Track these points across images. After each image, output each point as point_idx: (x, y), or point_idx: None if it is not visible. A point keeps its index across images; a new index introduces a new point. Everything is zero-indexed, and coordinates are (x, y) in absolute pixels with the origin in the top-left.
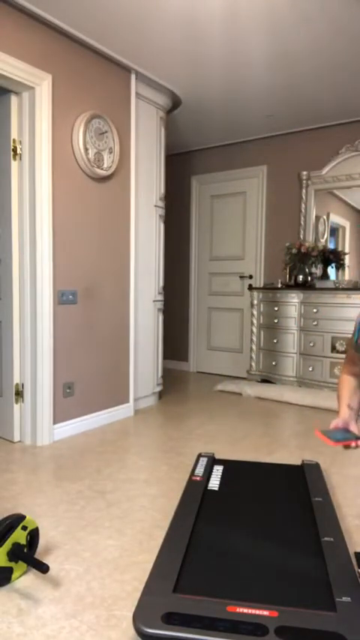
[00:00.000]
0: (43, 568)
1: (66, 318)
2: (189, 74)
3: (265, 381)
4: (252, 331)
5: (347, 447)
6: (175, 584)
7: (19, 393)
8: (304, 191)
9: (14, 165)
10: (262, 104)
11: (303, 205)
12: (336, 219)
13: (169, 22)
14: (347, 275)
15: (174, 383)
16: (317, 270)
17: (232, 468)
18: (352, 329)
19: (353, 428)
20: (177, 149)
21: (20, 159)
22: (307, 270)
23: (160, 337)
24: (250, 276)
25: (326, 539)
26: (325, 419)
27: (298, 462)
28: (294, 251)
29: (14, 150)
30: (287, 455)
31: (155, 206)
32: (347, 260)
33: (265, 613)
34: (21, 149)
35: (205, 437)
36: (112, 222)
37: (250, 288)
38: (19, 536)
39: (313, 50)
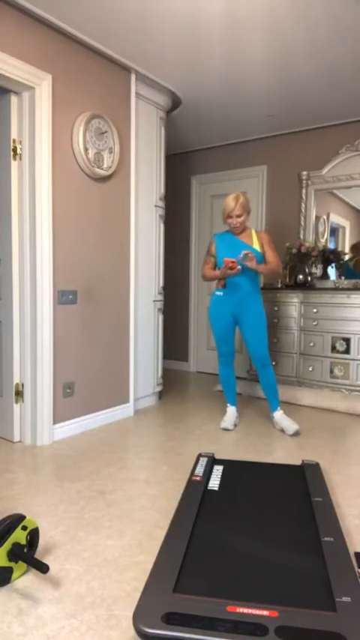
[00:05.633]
0: (43, 568)
1: (66, 318)
2: (189, 74)
3: None
4: None
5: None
6: (175, 584)
7: (19, 393)
8: (304, 191)
9: (14, 165)
10: (262, 104)
11: (303, 205)
12: (336, 219)
13: (169, 22)
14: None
15: (174, 383)
16: (317, 270)
17: (232, 468)
18: (351, 329)
19: None
20: (177, 149)
21: (20, 159)
22: (307, 270)
23: (160, 337)
24: None
25: (326, 539)
26: (325, 419)
27: (298, 462)
28: (294, 251)
29: (14, 150)
30: (287, 455)
31: (155, 206)
32: None
33: (265, 613)
34: (21, 149)
35: (205, 437)
36: (112, 222)
37: None
38: (19, 536)
39: (313, 50)
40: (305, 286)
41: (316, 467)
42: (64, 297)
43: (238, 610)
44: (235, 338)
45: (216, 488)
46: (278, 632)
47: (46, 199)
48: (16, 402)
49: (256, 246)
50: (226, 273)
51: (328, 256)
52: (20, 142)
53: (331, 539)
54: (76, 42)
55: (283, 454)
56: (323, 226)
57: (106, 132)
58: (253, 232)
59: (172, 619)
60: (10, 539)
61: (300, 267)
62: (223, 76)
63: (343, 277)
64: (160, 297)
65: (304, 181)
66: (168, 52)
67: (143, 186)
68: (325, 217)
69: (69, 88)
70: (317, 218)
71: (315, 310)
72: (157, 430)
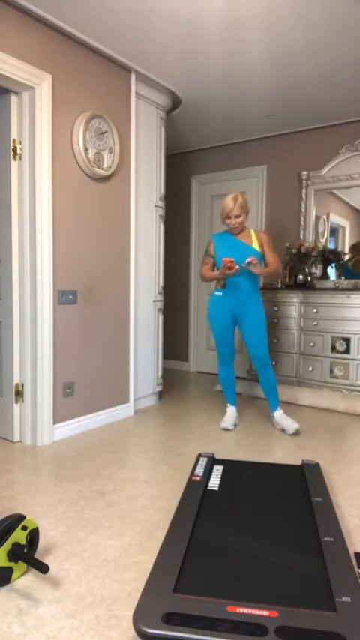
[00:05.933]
0: (43, 568)
1: (66, 318)
2: (189, 74)
3: None
4: None
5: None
6: (175, 584)
7: (19, 393)
8: (304, 191)
9: (14, 165)
10: (262, 104)
11: (303, 205)
12: (336, 219)
13: (169, 22)
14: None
15: (174, 383)
16: (317, 270)
17: (232, 468)
18: (351, 329)
19: None
20: (177, 149)
21: (20, 159)
22: (307, 270)
23: (160, 337)
24: None
25: (326, 539)
26: (325, 419)
27: (298, 462)
28: (294, 251)
29: (14, 150)
30: (287, 455)
31: (155, 206)
32: None
33: (265, 613)
34: (21, 149)
35: (205, 437)
36: (112, 222)
37: None
38: (19, 536)
39: (313, 50)
40: (305, 286)
41: (316, 467)
42: (64, 297)
43: (238, 610)
44: (235, 338)
45: (216, 488)
46: (278, 632)
47: (46, 199)
48: (16, 402)
49: (256, 246)
50: (225, 273)
51: (328, 256)
52: (20, 142)
53: (331, 539)
54: (76, 42)
55: (283, 454)
56: (323, 226)
57: (106, 132)
58: (252, 232)
59: (172, 619)
60: (10, 539)
61: (300, 267)
62: (223, 76)
63: (343, 277)
64: (160, 297)
65: (304, 181)
66: (168, 52)
67: (143, 186)
68: (325, 217)
69: (69, 88)
70: (317, 218)
71: (315, 310)
72: (157, 430)
